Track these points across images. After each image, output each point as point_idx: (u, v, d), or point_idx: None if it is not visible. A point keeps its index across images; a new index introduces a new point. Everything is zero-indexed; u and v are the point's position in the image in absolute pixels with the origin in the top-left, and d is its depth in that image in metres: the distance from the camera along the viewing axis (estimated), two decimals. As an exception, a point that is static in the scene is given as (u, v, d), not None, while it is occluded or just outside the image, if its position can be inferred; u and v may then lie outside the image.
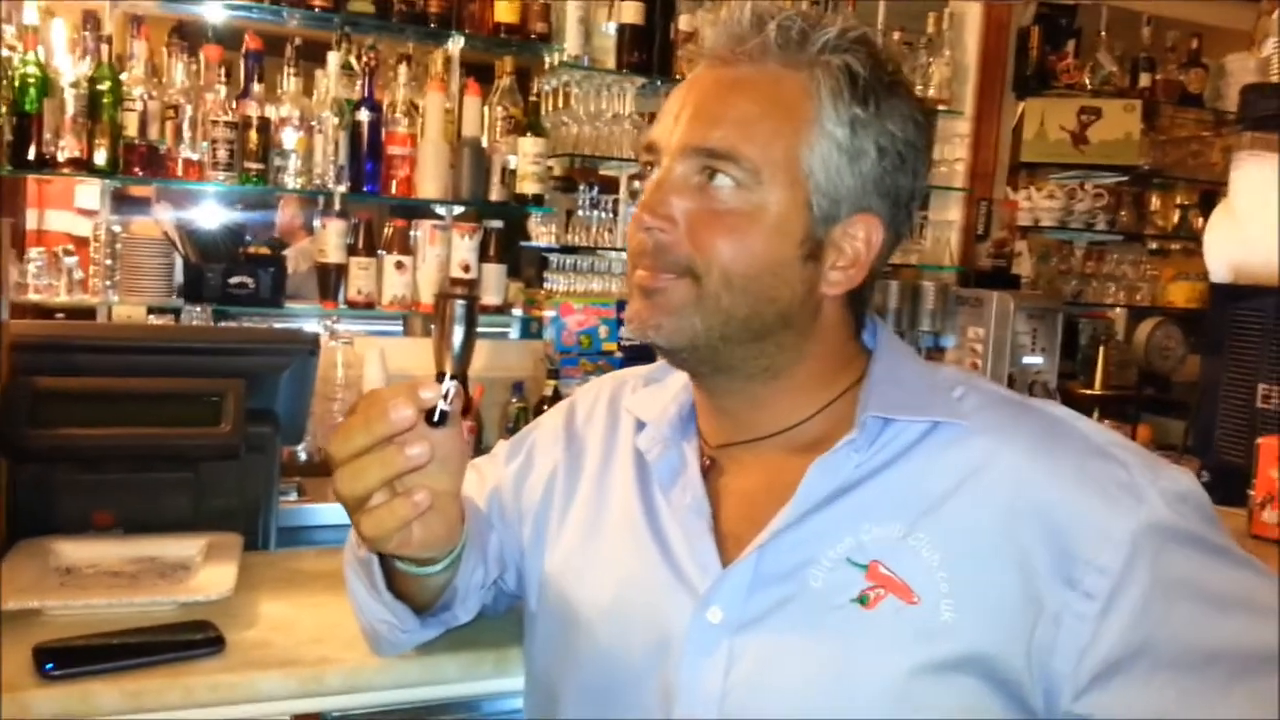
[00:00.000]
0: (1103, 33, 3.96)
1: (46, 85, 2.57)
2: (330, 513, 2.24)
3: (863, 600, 0.84)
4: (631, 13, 3.11)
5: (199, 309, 2.68)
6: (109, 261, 2.74)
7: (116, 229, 2.80)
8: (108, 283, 2.74)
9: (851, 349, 0.97)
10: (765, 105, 0.88)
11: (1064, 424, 0.89)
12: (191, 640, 1.11)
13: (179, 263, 2.79)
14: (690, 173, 0.89)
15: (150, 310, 2.76)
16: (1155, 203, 4.45)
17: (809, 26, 0.89)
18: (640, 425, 1.05)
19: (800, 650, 0.85)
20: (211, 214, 3.09)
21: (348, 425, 0.82)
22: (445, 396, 0.83)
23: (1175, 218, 4.44)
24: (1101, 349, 3.66)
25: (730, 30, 0.91)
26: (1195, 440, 2.42)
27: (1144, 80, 4.01)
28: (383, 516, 0.83)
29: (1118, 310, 4.24)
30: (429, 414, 0.82)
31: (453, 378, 0.84)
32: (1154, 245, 4.50)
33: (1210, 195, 4.21)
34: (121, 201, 2.98)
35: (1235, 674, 0.77)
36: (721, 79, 0.90)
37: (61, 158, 2.58)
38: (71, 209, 3.24)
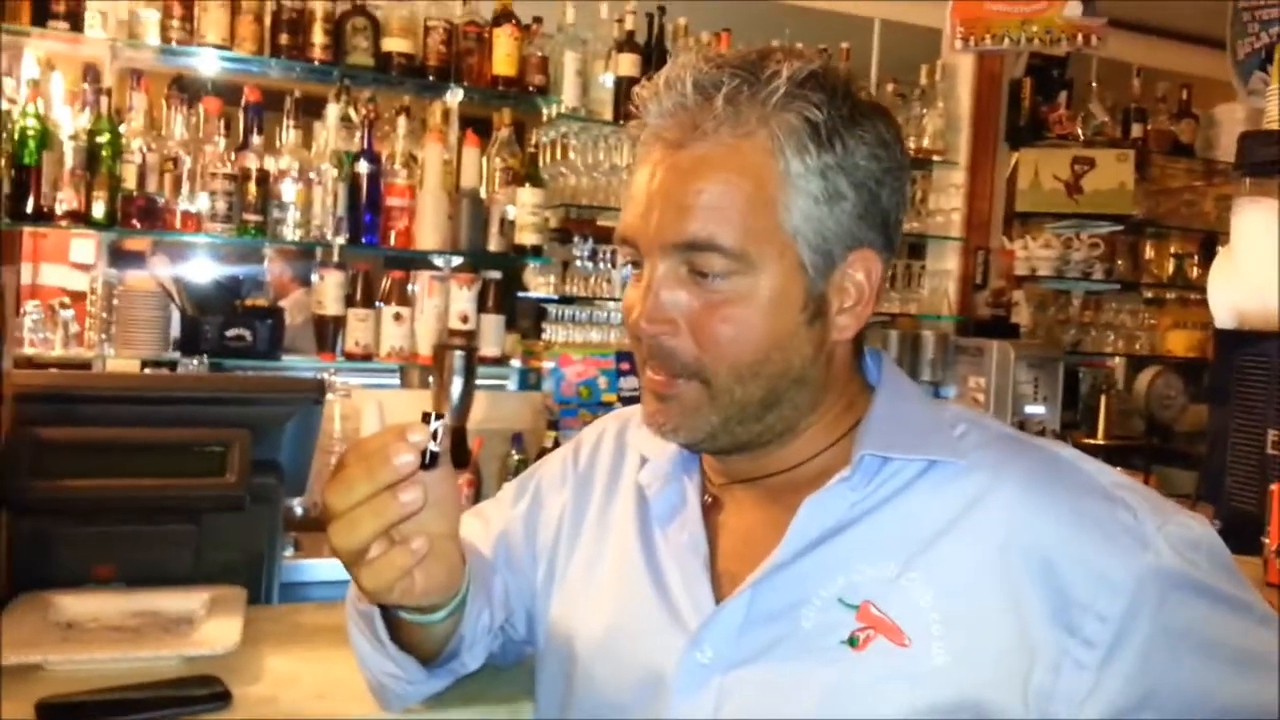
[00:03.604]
0: (1094, 84, 4.03)
1: (45, 138, 2.57)
2: (328, 568, 2.19)
3: (852, 642, 0.82)
4: (628, 65, 3.15)
5: (195, 361, 2.65)
6: (105, 314, 2.72)
7: (113, 282, 2.78)
8: (103, 336, 2.71)
9: (855, 386, 0.96)
10: (732, 182, 0.84)
11: (1066, 463, 0.86)
12: (197, 695, 1.08)
13: (175, 315, 2.77)
14: (677, 265, 0.86)
15: (145, 363, 2.73)
16: (1150, 252, 4.48)
17: (755, 83, 0.84)
18: (644, 461, 1.03)
19: (789, 692, 0.83)
20: (207, 267, 3.09)
21: (347, 475, 0.79)
22: (434, 436, 0.81)
23: (1170, 267, 4.47)
24: (1103, 398, 3.66)
25: (674, 111, 0.86)
26: (1206, 488, 2.40)
27: (1135, 130, 4.06)
28: (382, 568, 0.81)
29: (1117, 359, 4.25)
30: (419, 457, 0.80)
31: (440, 417, 0.82)
32: (1149, 294, 4.52)
33: (1207, 244, 4.24)
34: (117, 256, 2.98)
35: None
36: (679, 164, 0.85)
37: (59, 210, 2.58)
38: (66, 263, 3.23)
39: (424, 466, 0.80)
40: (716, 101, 0.84)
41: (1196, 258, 4.39)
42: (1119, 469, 0.88)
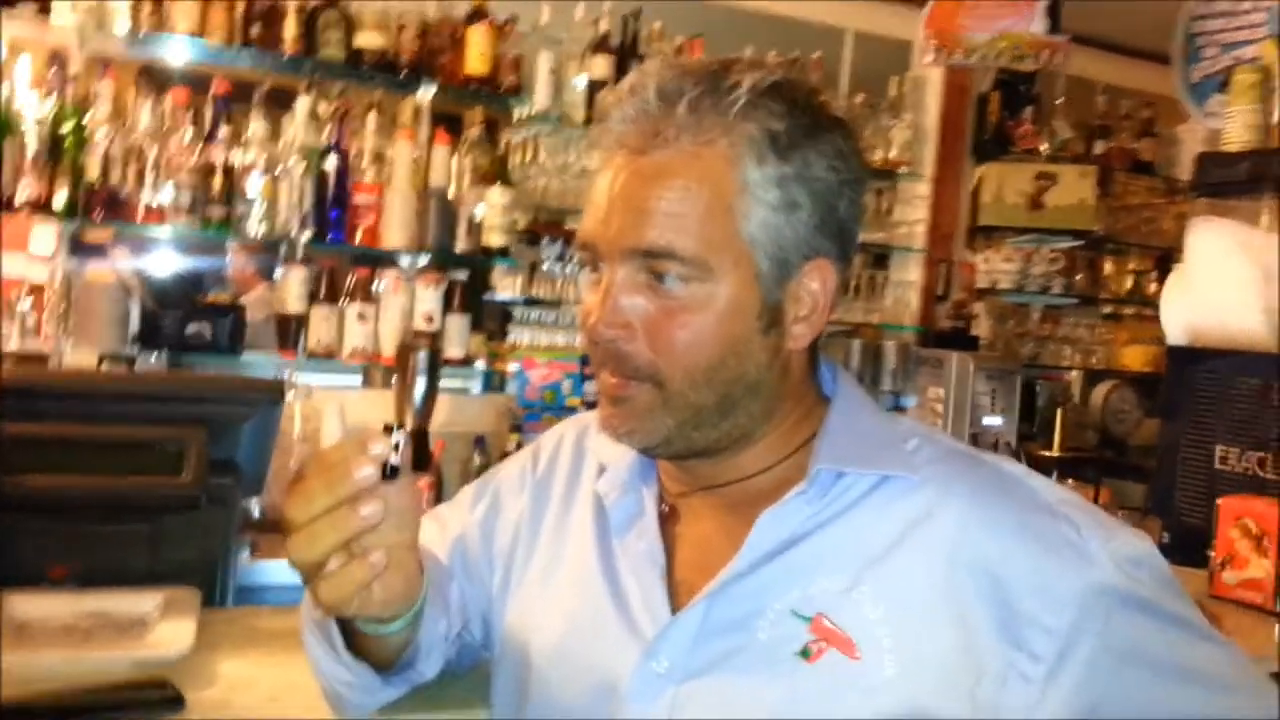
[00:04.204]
0: (1059, 100, 4.07)
1: (8, 124, 2.53)
2: (285, 571, 2.16)
3: (805, 654, 0.83)
4: (601, 67, 3.15)
5: (153, 356, 2.63)
6: (63, 307, 2.68)
7: (72, 275, 2.75)
8: (61, 329, 2.67)
9: (811, 398, 0.97)
10: (691, 189, 0.85)
11: (1012, 479, 0.88)
12: (149, 699, 1.07)
13: (135, 310, 2.74)
14: (635, 271, 0.87)
15: (103, 358, 2.70)
16: (1109, 268, 4.55)
17: (717, 91, 0.85)
18: (603, 469, 1.04)
19: (743, 703, 0.84)
20: (169, 261, 3.05)
21: (306, 488, 0.79)
22: (395, 448, 0.81)
23: (1129, 283, 4.54)
24: (1059, 411, 3.71)
25: (637, 118, 0.87)
26: (1155, 502, 2.45)
27: (1099, 147, 4.12)
28: (340, 581, 0.80)
29: (1074, 373, 4.31)
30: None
31: (401, 428, 0.82)
32: (1108, 309, 4.59)
33: (1164, 261, 4.31)
34: (77, 247, 2.93)
35: None
36: (641, 170, 0.86)
37: (20, 198, 2.54)
38: (26, 252, 3.18)
39: (384, 478, 0.80)
40: (679, 109, 0.85)
41: (1154, 274, 4.47)
42: (1071, 480, 0.90)
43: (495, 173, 3.03)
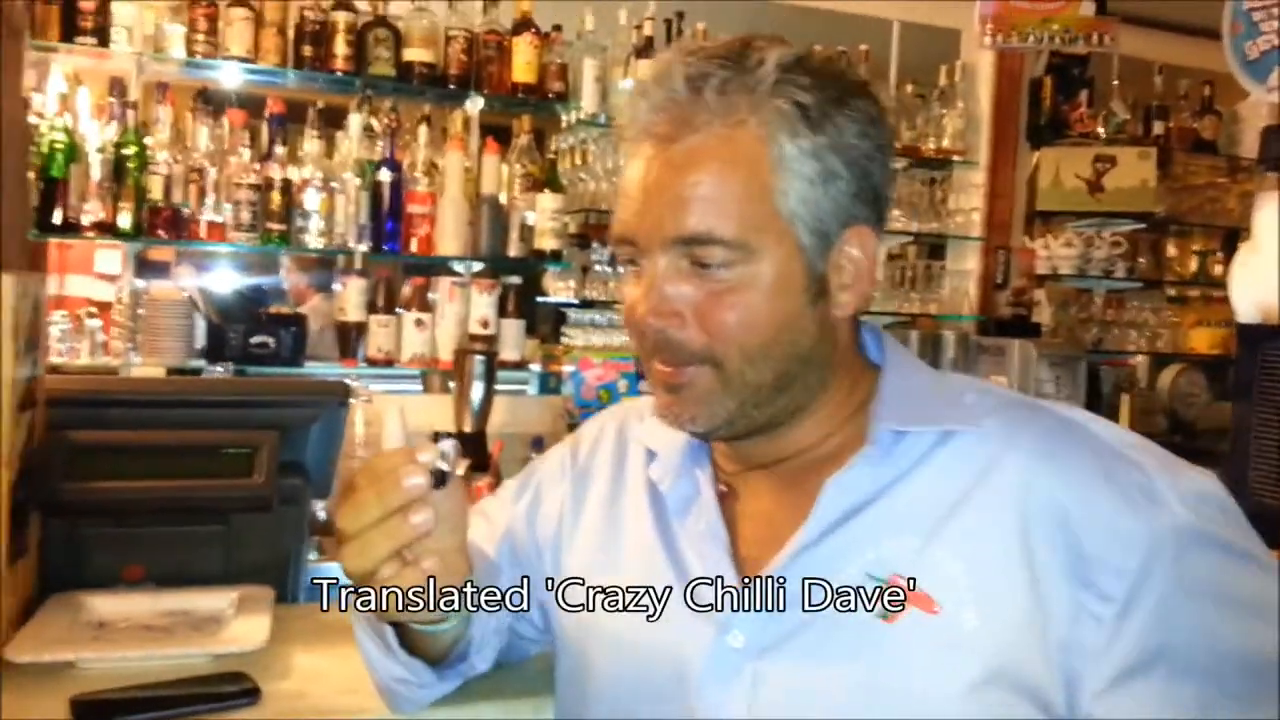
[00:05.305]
0: (1115, 81, 4.00)
1: (73, 151, 2.61)
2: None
3: (884, 615, 0.82)
4: (646, 71, 3.14)
5: (220, 368, 2.69)
6: (131, 324, 2.76)
7: (139, 292, 2.82)
8: (130, 344, 2.75)
9: (859, 365, 0.96)
10: (725, 172, 0.84)
11: (1076, 425, 0.87)
12: (227, 692, 1.09)
13: (200, 323, 2.81)
14: (677, 259, 0.87)
15: (171, 371, 2.77)
16: (1172, 249, 4.45)
17: (742, 72, 0.85)
18: (651, 455, 1.03)
19: (827, 671, 0.83)
20: (230, 277, 3.13)
21: (358, 499, 0.81)
22: (443, 455, 0.81)
23: (1193, 264, 4.44)
24: (1125, 397, 3.63)
25: (666, 106, 0.86)
26: (1229, 484, 2.39)
27: (1157, 128, 4.04)
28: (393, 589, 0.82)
29: (1140, 358, 4.22)
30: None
31: (449, 437, 0.83)
32: (1172, 292, 4.49)
33: (1230, 241, 4.21)
34: (142, 266, 3.02)
35: (1262, 682, 0.76)
36: (673, 159, 0.85)
37: (86, 221, 2.61)
38: (91, 274, 3.27)
39: (435, 486, 0.81)
40: (706, 94, 0.85)
41: (1220, 255, 4.36)
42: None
43: (545, 179, 3.05)
